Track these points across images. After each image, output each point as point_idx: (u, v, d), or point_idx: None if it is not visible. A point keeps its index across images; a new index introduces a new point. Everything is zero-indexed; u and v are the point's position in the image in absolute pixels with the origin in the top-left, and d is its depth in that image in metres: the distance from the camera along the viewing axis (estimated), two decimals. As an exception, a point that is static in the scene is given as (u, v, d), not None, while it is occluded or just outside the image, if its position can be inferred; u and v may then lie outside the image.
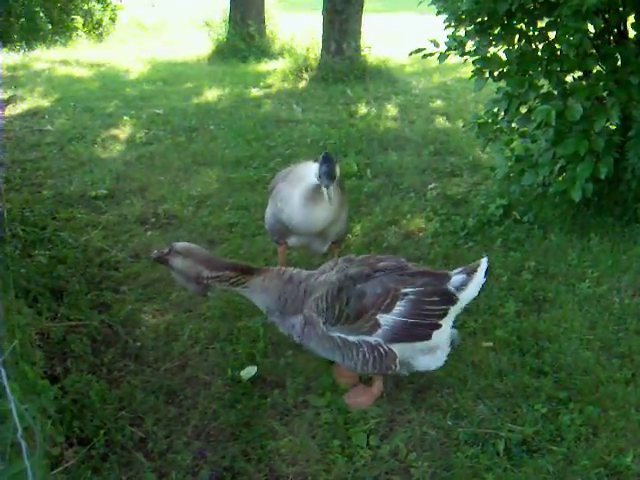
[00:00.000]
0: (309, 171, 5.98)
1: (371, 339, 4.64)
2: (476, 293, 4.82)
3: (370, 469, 4.42)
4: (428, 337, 4.69)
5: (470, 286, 4.75)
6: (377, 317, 4.63)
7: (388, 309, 4.62)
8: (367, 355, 4.65)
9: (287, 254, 6.88)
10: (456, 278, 4.77)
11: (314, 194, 5.87)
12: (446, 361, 4.90)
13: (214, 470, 4.44)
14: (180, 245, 5.01)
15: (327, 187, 5.67)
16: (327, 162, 5.65)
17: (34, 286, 6.32)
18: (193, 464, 4.51)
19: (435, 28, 8.57)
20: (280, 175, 6.57)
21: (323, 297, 4.68)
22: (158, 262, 5.11)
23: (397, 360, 4.68)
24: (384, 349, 4.64)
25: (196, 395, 5.12)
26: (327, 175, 5.64)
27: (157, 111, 12.88)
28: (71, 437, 4.57)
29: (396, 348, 4.67)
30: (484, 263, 4.78)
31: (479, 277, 4.76)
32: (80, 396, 4.95)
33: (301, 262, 6.91)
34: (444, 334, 4.77)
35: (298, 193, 6.02)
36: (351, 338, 4.66)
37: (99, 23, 23.31)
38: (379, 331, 4.64)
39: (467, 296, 4.79)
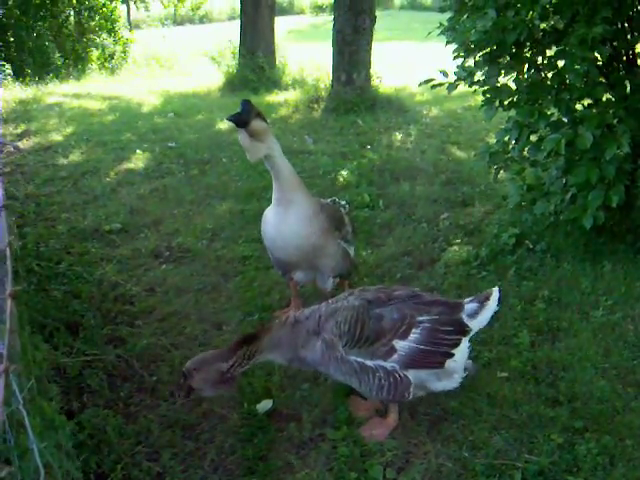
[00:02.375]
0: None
1: (387, 364, 4.69)
2: (487, 321, 4.89)
3: (387, 502, 4.43)
4: (441, 365, 4.75)
5: (483, 314, 4.85)
6: (393, 343, 4.68)
7: (404, 336, 4.69)
8: (383, 380, 4.69)
9: (300, 288, 6.93)
10: (469, 307, 4.86)
11: (280, 198, 6.00)
12: (462, 392, 4.93)
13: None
14: (189, 364, 4.87)
15: (236, 125, 5.72)
16: (242, 105, 5.70)
17: (50, 321, 6.34)
18: (210, 498, 4.54)
19: (443, 56, 8.61)
20: None
21: (345, 319, 4.72)
22: (188, 395, 5.00)
23: (411, 387, 4.72)
24: (399, 375, 4.68)
25: (213, 429, 5.13)
26: (234, 115, 5.68)
27: (170, 144, 12.94)
28: (89, 472, 4.56)
29: (411, 374, 4.71)
30: (496, 292, 4.87)
31: (491, 306, 4.84)
32: (97, 431, 4.96)
33: (314, 295, 6.93)
34: (459, 360, 4.82)
35: (271, 205, 6.17)
36: (368, 362, 4.70)
37: (111, 56, 23.49)
38: (395, 356, 4.69)
39: (479, 324, 4.87)
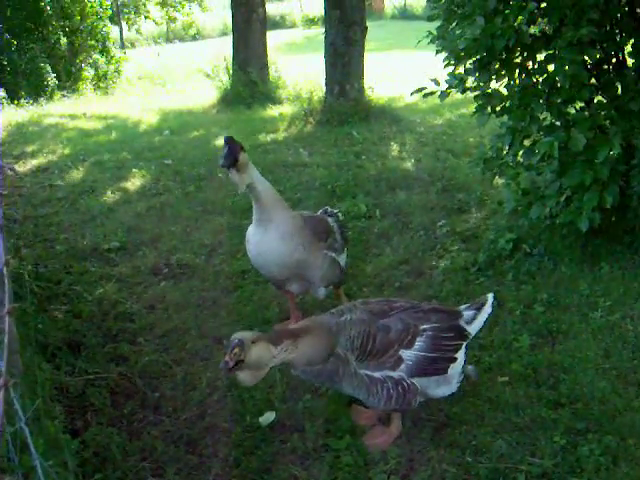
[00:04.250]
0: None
1: (395, 374, 4.73)
2: (482, 324, 5.03)
3: (392, 509, 4.45)
4: (445, 371, 4.83)
5: (479, 319, 4.99)
6: (400, 353, 4.73)
7: (409, 345, 4.75)
8: (391, 391, 4.72)
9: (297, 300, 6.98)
10: (466, 314, 5.00)
11: (260, 219, 6.09)
12: (463, 398, 4.96)
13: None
14: (246, 335, 4.47)
15: (226, 168, 5.82)
16: (226, 145, 5.79)
17: (51, 341, 6.37)
18: (216, 512, 4.55)
19: (435, 64, 8.64)
20: None
21: (358, 335, 4.73)
22: (233, 369, 4.39)
23: (418, 394, 4.78)
24: (407, 383, 4.73)
25: (216, 443, 5.15)
26: (222, 157, 5.78)
27: (166, 161, 12.95)
28: (94, 490, 4.60)
29: (417, 382, 4.76)
30: (490, 298, 5.04)
31: (487, 311, 5.01)
32: (101, 449, 4.99)
33: (313, 307, 6.96)
34: (458, 366, 4.90)
35: (250, 228, 6.27)
36: (376, 374, 4.73)
37: (105, 75, 23.54)
38: (402, 366, 4.74)
39: (476, 329, 5.01)
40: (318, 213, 6.93)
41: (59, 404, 5.43)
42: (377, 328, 4.76)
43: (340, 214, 7.19)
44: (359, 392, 4.82)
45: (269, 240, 6.08)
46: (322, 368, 4.75)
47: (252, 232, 6.22)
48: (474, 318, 4.95)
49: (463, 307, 5.05)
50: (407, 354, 4.73)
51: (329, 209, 7.05)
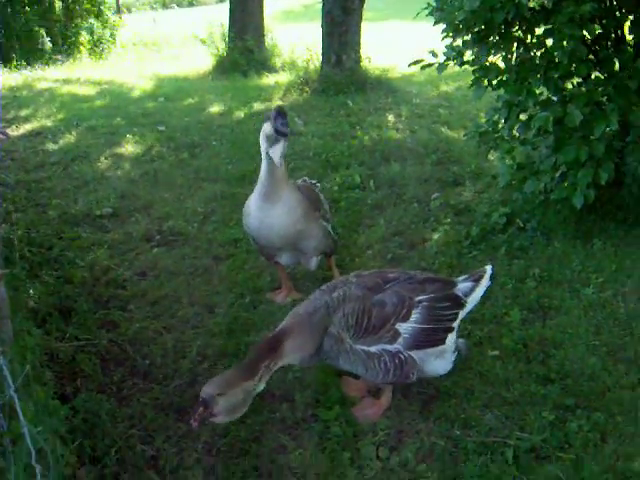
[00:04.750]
0: (259, 178, 6.18)
1: (391, 347, 4.71)
2: (479, 298, 5.01)
3: (380, 481, 4.46)
4: (443, 341, 4.82)
5: (477, 291, 4.96)
6: (396, 326, 4.71)
7: (405, 318, 4.72)
8: (389, 364, 4.70)
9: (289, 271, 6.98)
10: (463, 285, 4.95)
11: (269, 194, 6.08)
12: (453, 371, 4.96)
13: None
14: (210, 390, 4.33)
15: (285, 137, 5.84)
16: (281, 115, 5.81)
17: (42, 306, 6.37)
18: (204, 480, 4.55)
19: (433, 36, 8.60)
20: None
21: (352, 311, 4.71)
22: (204, 423, 4.40)
23: (416, 367, 4.76)
24: (404, 356, 4.71)
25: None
26: (285, 124, 5.81)
27: (160, 128, 12.90)
28: (83, 456, 4.58)
29: (414, 354, 4.74)
30: (489, 270, 4.97)
31: (484, 283, 4.97)
32: (91, 415, 4.97)
33: (304, 277, 6.96)
34: (451, 338, 4.88)
35: (254, 198, 6.23)
36: (372, 349, 4.71)
37: (100, 40, 23.39)
38: (399, 340, 4.72)
39: (473, 301, 4.98)
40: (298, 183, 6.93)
41: (49, 370, 5.42)
42: (372, 303, 4.73)
43: (318, 184, 7.23)
44: (356, 367, 4.80)
45: (276, 214, 6.09)
46: (317, 353, 4.76)
47: (256, 205, 6.18)
48: (472, 290, 4.93)
49: (461, 278, 5.03)
50: (404, 327, 4.71)
51: (307, 179, 7.05)
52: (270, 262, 6.76)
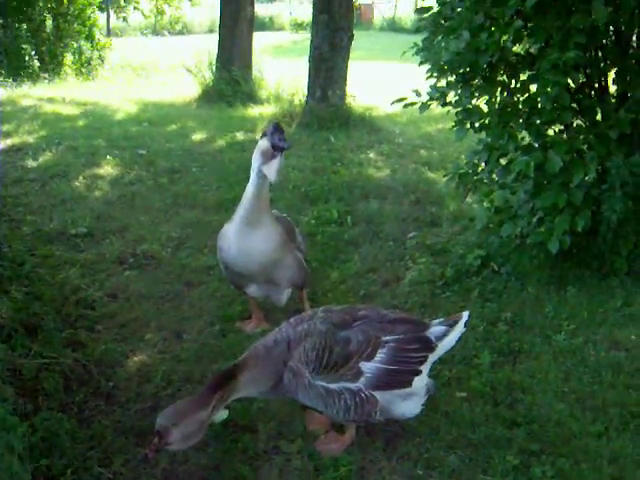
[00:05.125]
0: (241, 202, 6.14)
1: (352, 385, 4.63)
2: (454, 344, 4.90)
3: (339, 517, 4.40)
4: (409, 384, 4.73)
5: (450, 336, 4.84)
6: (359, 365, 4.63)
7: (370, 357, 4.64)
8: (349, 402, 4.63)
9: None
10: (436, 329, 4.84)
11: (251, 219, 6.04)
12: (420, 410, 4.91)
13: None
14: (164, 420, 4.40)
15: (282, 151, 5.84)
16: (278, 130, 5.82)
17: (8, 322, 6.27)
18: (161, 507, 4.48)
19: (416, 78, 8.64)
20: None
21: (313, 347, 4.65)
22: (158, 452, 4.49)
23: (378, 406, 4.68)
24: (365, 394, 4.63)
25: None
26: (282, 139, 5.82)
27: (141, 152, 12.87)
28: (38, 476, 4.50)
29: (377, 394, 4.67)
30: (465, 316, 4.87)
31: (459, 328, 4.85)
32: (50, 434, 4.88)
33: (275, 308, 6.90)
34: (421, 381, 4.80)
35: (234, 223, 6.18)
36: (332, 386, 4.64)
37: (88, 62, 23.40)
38: (362, 379, 4.64)
39: (446, 346, 4.86)
40: None
41: (10, 386, 5.33)
42: (336, 340, 4.66)
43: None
44: (317, 403, 4.74)
45: (256, 240, 6.07)
46: (278, 384, 4.71)
47: (236, 229, 6.13)
48: (445, 334, 4.81)
49: (436, 321, 4.93)
50: (367, 366, 4.64)
51: (276, 212, 7.00)
52: (240, 291, 6.71)
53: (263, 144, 5.85)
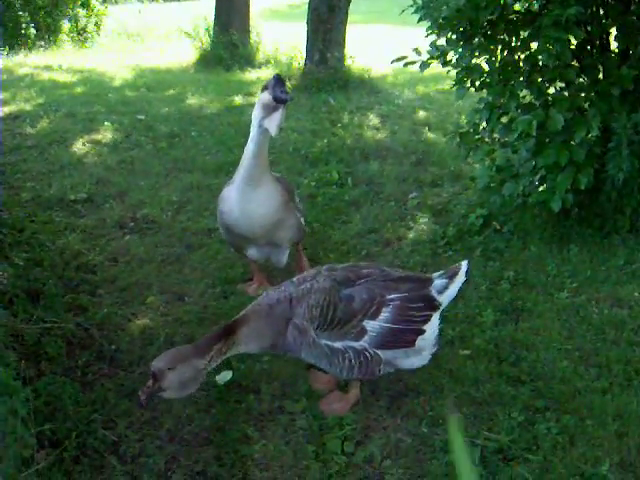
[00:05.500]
0: (241, 163, 6.08)
1: (357, 344, 4.62)
2: (455, 293, 4.88)
3: (344, 476, 4.38)
4: (412, 344, 4.70)
5: (451, 288, 4.82)
6: (364, 323, 4.62)
7: (374, 315, 4.62)
8: (353, 361, 4.62)
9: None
10: (438, 282, 4.81)
11: (252, 177, 5.98)
12: (423, 369, 4.91)
13: (187, 474, 4.40)
14: (162, 363, 4.39)
15: (284, 103, 5.76)
16: (280, 82, 5.73)
17: (10, 288, 6.26)
18: (166, 468, 4.46)
19: (416, 39, 8.56)
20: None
21: (317, 303, 4.63)
22: (151, 397, 4.46)
23: (382, 364, 4.67)
24: (369, 353, 4.62)
25: (170, 399, 5.06)
26: (284, 91, 5.73)
27: (139, 117, 12.82)
28: (42, 439, 4.49)
29: (382, 353, 4.66)
30: (465, 265, 4.85)
31: (460, 280, 4.82)
32: (53, 398, 4.88)
33: (276, 269, 6.88)
34: (429, 337, 4.78)
35: (235, 184, 6.11)
36: (337, 345, 4.63)
37: (84, 29, 23.27)
38: (366, 337, 4.63)
39: (448, 297, 4.85)
40: None
41: (13, 351, 5.32)
42: (340, 297, 4.64)
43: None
44: (320, 362, 4.74)
45: (258, 200, 6.02)
46: (280, 342, 4.70)
47: (238, 189, 6.06)
48: (446, 287, 4.79)
49: (436, 275, 4.89)
50: (371, 325, 4.62)
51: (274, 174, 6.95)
52: (240, 254, 6.68)
53: (264, 97, 5.77)
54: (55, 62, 18.78)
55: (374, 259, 7.12)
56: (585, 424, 4.76)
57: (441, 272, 4.91)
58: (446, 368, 5.35)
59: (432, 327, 4.78)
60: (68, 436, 4.59)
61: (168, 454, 4.57)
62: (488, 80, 7.26)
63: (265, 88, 5.81)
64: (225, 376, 5.24)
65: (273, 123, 5.76)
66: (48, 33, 22.20)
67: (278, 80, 5.71)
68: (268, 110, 5.75)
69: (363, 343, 4.62)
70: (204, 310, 6.25)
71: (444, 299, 4.81)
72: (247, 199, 6.01)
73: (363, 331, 4.62)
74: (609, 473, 4.34)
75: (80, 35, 23.11)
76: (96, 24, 23.82)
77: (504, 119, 7.39)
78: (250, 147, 5.96)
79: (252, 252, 6.46)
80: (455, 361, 5.44)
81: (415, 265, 6.99)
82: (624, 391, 5.11)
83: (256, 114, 5.88)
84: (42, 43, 21.49)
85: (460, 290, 4.88)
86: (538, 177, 7.35)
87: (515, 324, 6.00)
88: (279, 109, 5.73)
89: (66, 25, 22.73)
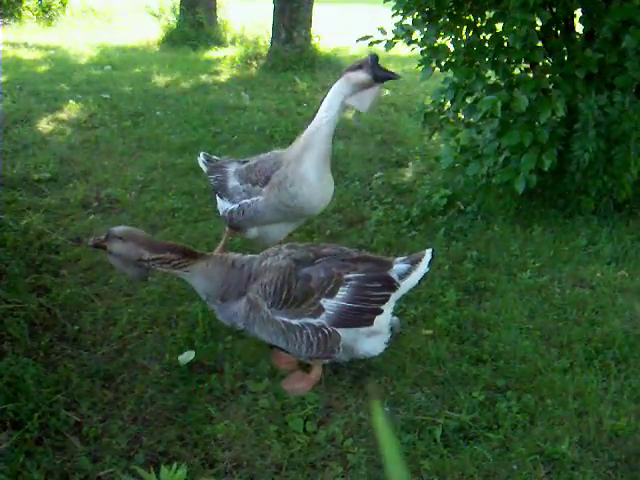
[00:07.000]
0: (314, 142, 5.85)
1: (314, 321, 4.64)
2: (417, 282, 4.86)
3: (306, 455, 4.39)
4: (370, 322, 4.72)
5: (413, 275, 4.80)
6: (321, 302, 4.64)
7: (331, 294, 4.64)
8: (311, 337, 4.64)
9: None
10: (399, 267, 4.81)
11: (326, 161, 5.90)
12: (385, 348, 4.91)
13: (149, 454, 4.40)
14: (118, 229, 4.81)
15: (386, 81, 5.73)
16: (377, 61, 5.60)
17: (-29, 268, 6.22)
18: (128, 448, 4.46)
19: (384, 20, 8.55)
20: (256, 168, 6.27)
21: (271, 281, 4.66)
22: (96, 248, 4.96)
23: (341, 342, 4.68)
24: (328, 330, 4.64)
25: (133, 380, 5.05)
26: (382, 69, 5.63)
27: (104, 96, 12.73)
28: (4, 420, 4.47)
29: (340, 331, 4.68)
30: (428, 254, 4.83)
31: (422, 267, 4.81)
32: (15, 379, 4.84)
33: (242, 249, 6.87)
34: (385, 320, 4.80)
35: (310, 167, 5.86)
36: (293, 321, 4.65)
37: (49, 6, 23.04)
38: (323, 315, 4.65)
39: (408, 284, 4.83)
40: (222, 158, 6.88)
41: (-26, 331, 5.30)
42: (296, 276, 4.67)
43: None
44: (276, 339, 4.76)
45: (331, 181, 6.06)
46: (235, 309, 4.77)
47: (318, 172, 5.85)
48: (407, 273, 4.79)
49: (399, 259, 4.90)
50: (329, 303, 4.64)
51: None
52: (237, 232, 6.54)
53: (358, 76, 5.58)
54: (20, 39, 18.59)
55: (338, 239, 7.13)
56: (545, 403, 4.81)
57: (404, 257, 4.92)
58: (408, 348, 5.37)
59: (388, 310, 4.80)
60: (30, 417, 4.55)
61: (131, 434, 4.55)
62: (454, 60, 7.29)
63: (358, 67, 5.62)
64: (187, 356, 5.24)
65: (366, 100, 5.65)
66: (11, 10, 21.94)
67: (376, 60, 5.58)
68: (358, 89, 5.63)
69: (321, 320, 4.65)
70: (167, 290, 6.22)
71: (404, 285, 4.80)
72: (328, 180, 5.97)
73: (320, 309, 4.65)
74: (568, 451, 4.38)
75: (45, 13, 22.87)
76: (61, 2, 23.57)
77: (469, 99, 7.42)
78: (324, 130, 5.76)
79: (253, 231, 6.34)
80: (417, 341, 5.46)
81: (379, 245, 7.01)
82: (584, 370, 5.17)
83: (336, 96, 5.70)
84: (5, 20, 21.25)
85: (423, 277, 4.88)
86: (502, 158, 7.38)
87: (478, 304, 6.05)
88: (376, 87, 5.65)
89: (31, 2, 22.49)
